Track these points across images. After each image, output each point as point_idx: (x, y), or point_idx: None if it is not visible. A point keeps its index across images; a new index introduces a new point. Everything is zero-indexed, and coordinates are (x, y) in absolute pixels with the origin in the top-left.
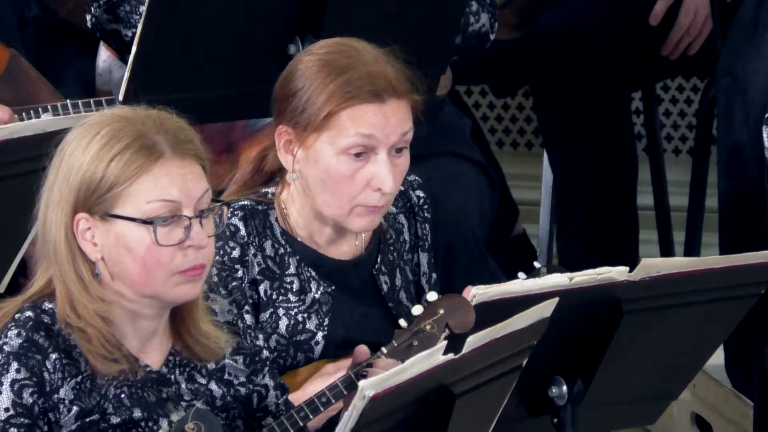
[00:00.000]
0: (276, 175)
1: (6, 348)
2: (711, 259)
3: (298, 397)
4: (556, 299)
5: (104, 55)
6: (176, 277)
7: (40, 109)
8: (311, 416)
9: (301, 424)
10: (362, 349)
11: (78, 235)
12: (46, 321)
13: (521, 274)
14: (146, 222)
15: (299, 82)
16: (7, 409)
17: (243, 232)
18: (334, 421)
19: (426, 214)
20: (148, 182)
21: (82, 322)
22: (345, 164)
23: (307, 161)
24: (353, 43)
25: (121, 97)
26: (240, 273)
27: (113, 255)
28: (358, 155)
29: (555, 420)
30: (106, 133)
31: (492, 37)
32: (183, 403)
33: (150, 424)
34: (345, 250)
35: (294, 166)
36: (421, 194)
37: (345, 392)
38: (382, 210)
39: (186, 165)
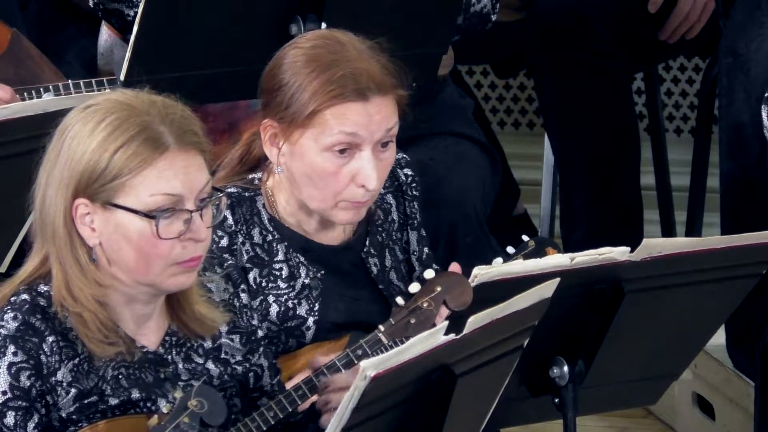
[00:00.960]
0: (263, 161)
1: (2, 331)
2: (712, 239)
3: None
4: (558, 279)
5: (105, 35)
6: (173, 267)
7: (41, 89)
8: (309, 394)
9: (299, 402)
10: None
11: (77, 219)
12: (42, 304)
13: (510, 248)
14: (148, 215)
15: (284, 77)
16: (4, 392)
17: (230, 220)
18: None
19: (414, 192)
20: (152, 175)
21: (78, 306)
22: (329, 161)
23: (292, 156)
24: (339, 36)
25: (122, 77)
26: (229, 262)
27: (111, 242)
28: (342, 151)
29: (556, 400)
30: (112, 121)
31: (493, 18)
32: (180, 383)
33: (148, 404)
34: (333, 235)
35: (279, 159)
36: (409, 172)
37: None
38: (368, 203)
39: (189, 157)
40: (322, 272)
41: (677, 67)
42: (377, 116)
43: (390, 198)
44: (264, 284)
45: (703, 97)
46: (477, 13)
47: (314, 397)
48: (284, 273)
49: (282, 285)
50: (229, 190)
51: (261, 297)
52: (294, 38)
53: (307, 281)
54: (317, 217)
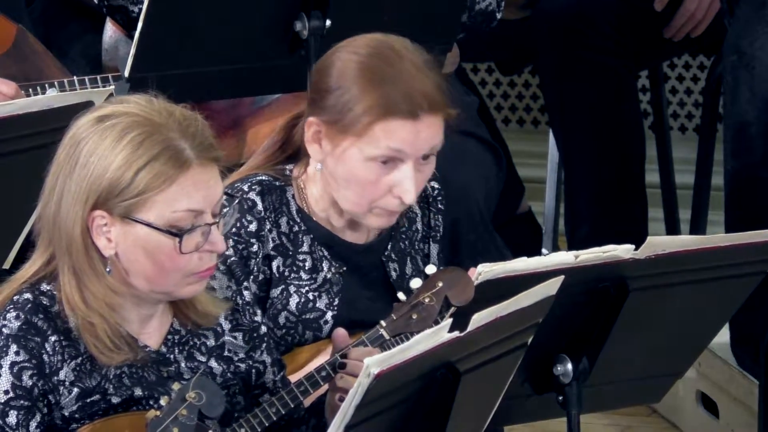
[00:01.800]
0: (299, 152)
1: (5, 330)
2: (717, 237)
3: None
4: (562, 277)
5: (110, 31)
6: (189, 278)
7: (46, 85)
8: (311, 390)
9: (301, 398)
10: (340, 332)
11: (93, 229)
12: (45, 303)
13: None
14: (171, 233)
15: (338, 81)
16: (6, 392)
17: (260, 206)
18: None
19: (440, 206)
20: (175, 192)
21: (90, 313)
22: (371, 170)
23: (334, 157)
24: (395, 45)
25: (126, 73)
26: (255, 247)
27: (129, 254)
28: (384, 162)
29: (560, 398)
30: (134, 138)
31: (498, 16)
32: (183, 382)
33: (151, 402)
34: (358, 235)
35: (320, 156)
36: (436, 185)
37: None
38: (400, 211)
39: (208, 171)
40: (344, 268)
41: (682, 65)
42: (425, 134)
43: (416, 208)
44: (287, 273)
45: (708, 95)
46: (482, 11)
47: (318, 392)
48: (307, 265)
49: (304, 276)
50: (260, 177)
51: (282, 286)
52: (350, 38)
53: (329, 276)
54: (347, 215)
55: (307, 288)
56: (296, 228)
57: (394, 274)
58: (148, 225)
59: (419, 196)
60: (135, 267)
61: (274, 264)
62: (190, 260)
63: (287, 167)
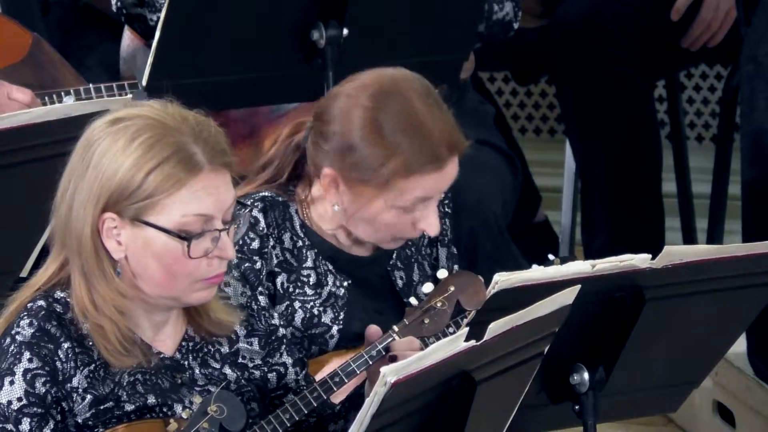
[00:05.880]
0: (302, 172)
1: (18, 338)
2: (733, 247)
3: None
4: (578, 286)
5: (128, 40)
6: (198, 284)
7: (62, 93)
8: (324, 396)
9: (314, 404)
10: (373, 329)
11: (103, 232)
12: (58, 310)
13: (535, 266)
14: (180, 236)
15: (351, 137)
16: (20, 399)
17: (263, 223)
18: (358, 392)
19: (446, 209)
20: (185, 195)
21: (100, 316)
22: (396, 217)
23: (354, 204)
24: (402, 88)
25: (144, 82)
26: (258, 264)
27: (138, 257)
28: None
29: (576, 407)
30: (145, 140)
31: (515, 26)
32: (197, 389)
33: (164, 409)
34: (363, 249)
35: (337, 199)
36: None
37: (370, 362)
38: None
39: (220, 177)
40: (349, 282)
41: (699, 75)
42: (450, 175)
43: None
44: (291, 289)
45: (725, 104)
46: (499, 21)
47: (348, 386)
48: (311, 280)
49: (309, 291)
50: (263, 194)
51: (287, 302)
52: (347, 81)
53: (333, 290)
54: (353, 235)
55: (312, 303)
56: (300, 243)
57: (400, 283)
58: (158, 228)
59: None
60: (144, 271)
61: (278, 280)
62: (199, 266)
63: (290, 185)
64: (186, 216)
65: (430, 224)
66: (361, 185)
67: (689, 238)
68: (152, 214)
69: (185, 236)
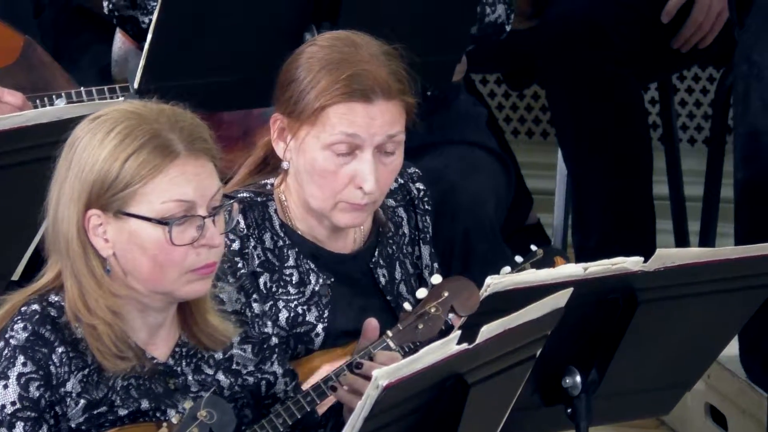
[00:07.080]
0: (279, 166)
1: (12, 341)
2: (726, 250)
3: (309, 383)
4: (571, 289)
5: (120, 42)
6: (188, 275)
7: (54, 96)
8: (318, 401)
9: (307, 408)
10: (372, 323)
11: (90, 231)
12: (52, 314)
13: (518, 257)
14: (161, 222)
15: (297, 73)
16: (13, 403)
17: (242, 224)
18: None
19: (426, 207)
20: (164, 182)
21: (93, 318)
22: (329, 160)
23: (297, 151)
24: (355, 38)
25: (136, 85)
26: (240, 265)
27: (126, 252)
28: (343, 154)
29: (569, 410)
30: (121, 130)
31: (508, 28)
32: (190, 395)
33: (158, 414)
34: (344, 244)
35: (286, 154)
36: (421, 186)
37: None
38: (368, 208)
39: (200, 164)
40: (332, 279)
41: (691, 77)
42: (379, 119)
43: (401, 212)
44: (274, 289)
45: (718, 106)
46: (491, 23)
47: (332, 397)
48: (294, 279)
49: (292, 291)
50: (242, 194)
51: (271, 302)
52: (315, 36)
53: (317, 288)
54: (327, 223)
55: (295, 302)
56: (281, 243)
57: (383, 280)
58: (140, 218)
59: (404, 200)
60: (133, 266)
61: (261, 280)
62: (186, 255)
63: (268, 181)
64: (166, 202)
65: (365, 177)
66: (297, 124)
67: (682, 240)
68: (133, 204)
69: (165, 222)
